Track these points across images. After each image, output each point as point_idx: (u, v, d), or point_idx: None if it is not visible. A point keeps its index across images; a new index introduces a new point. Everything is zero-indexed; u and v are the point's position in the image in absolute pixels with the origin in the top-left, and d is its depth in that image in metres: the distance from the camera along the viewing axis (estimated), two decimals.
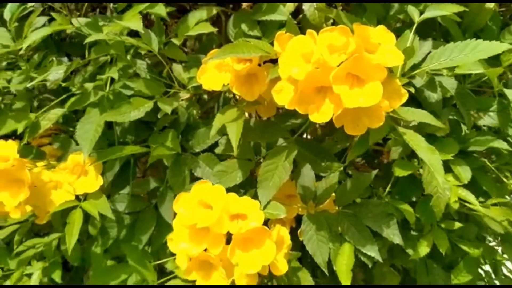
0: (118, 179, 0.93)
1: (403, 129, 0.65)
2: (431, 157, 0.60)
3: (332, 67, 0.55)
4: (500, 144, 0.79)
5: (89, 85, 0.84)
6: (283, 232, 0.64)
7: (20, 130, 0.87)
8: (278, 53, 0.71)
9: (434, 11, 0.72)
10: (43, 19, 0.99)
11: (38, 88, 1.08)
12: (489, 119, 0.81)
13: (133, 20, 0.73)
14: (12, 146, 0.73)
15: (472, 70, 0.72)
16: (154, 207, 0.92)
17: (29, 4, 0.95)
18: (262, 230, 0.60)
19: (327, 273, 0.73)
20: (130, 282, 0.92)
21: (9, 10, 0.99)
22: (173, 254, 0.93)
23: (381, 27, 0.59)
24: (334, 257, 0.75)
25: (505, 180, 0.88)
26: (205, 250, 0.60)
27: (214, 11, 0.89)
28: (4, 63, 1.08)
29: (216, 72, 0.78)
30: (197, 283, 0.62)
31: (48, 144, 1.00)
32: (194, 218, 0.59)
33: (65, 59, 1.02)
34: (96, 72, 0.92)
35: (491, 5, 0.88)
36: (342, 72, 0.56)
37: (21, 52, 0.99)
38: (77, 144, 0.92)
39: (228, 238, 0.60)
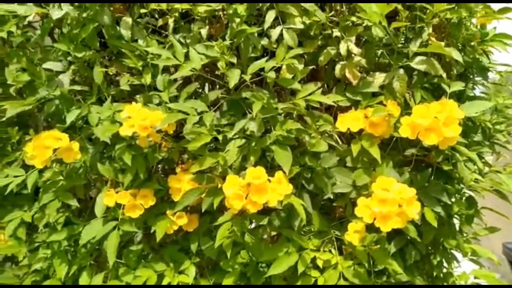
0: None
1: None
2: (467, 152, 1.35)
3: (439, 119, 1.26)
4: None
5: None
6: None
7: (221, 162, 1.42)
8: (390, 111, 1.40)
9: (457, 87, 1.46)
10: None
11: None
12: None
13: None
14: (262, 170, 1.28)
15: None
16: None
17: None
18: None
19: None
20: (290, 249, 1.49)
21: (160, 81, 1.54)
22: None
23: (452, 101, 1.31)
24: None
25: None
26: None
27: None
28: None
29: (352, 121, 1.43)
30: (378, 226, 1.26)
31: None
32: (383, 195, 1.24)
33: None
34: None
35: None
36: (441, 122, 1.27)
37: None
38: None
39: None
